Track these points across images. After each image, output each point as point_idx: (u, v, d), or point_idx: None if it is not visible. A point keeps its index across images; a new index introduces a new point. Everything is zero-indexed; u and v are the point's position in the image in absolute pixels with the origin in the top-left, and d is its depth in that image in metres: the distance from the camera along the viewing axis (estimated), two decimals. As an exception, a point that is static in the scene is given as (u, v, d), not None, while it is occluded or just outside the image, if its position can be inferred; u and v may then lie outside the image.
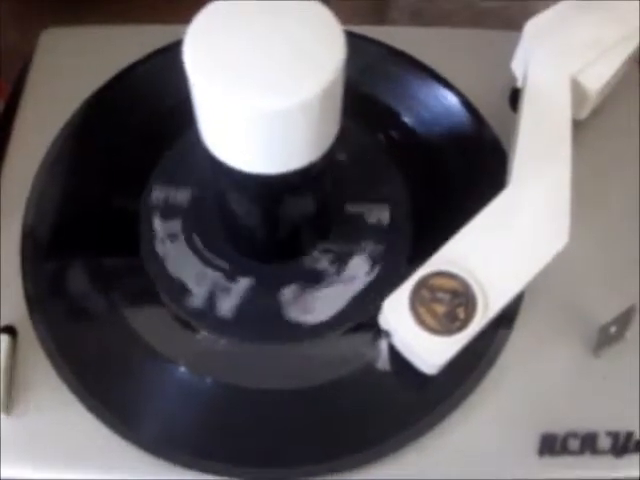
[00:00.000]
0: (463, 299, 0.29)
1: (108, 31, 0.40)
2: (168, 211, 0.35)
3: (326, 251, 0.34)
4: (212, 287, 0.33)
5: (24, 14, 0.44)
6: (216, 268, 0.34)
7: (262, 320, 0.33)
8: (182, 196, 0.35)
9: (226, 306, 0.33)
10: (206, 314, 0.32)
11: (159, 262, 0.34)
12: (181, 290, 0.33)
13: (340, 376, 0.31)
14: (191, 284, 0.33)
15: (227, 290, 0.33)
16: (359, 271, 0.33)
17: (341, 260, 0.34)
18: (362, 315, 0.32)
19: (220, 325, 0.32)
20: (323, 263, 0.34)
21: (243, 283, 0.33)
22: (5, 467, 0.29)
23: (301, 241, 0.34)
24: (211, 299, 0.33)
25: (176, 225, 0.35)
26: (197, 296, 0.33)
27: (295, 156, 0.27)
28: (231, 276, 0.33)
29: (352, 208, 0.35)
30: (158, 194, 0.35)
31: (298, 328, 0.32)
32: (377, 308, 0.30)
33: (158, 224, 0.35)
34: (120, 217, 0.35)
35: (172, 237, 0.34)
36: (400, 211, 0.35)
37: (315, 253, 0.34)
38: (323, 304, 0.33)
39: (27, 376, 0.31)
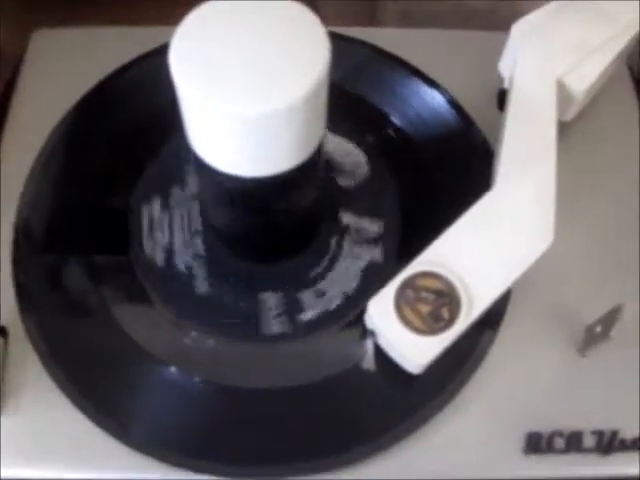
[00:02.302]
0: (447, 299, 0.29)
1: (99, 32, 0.41)
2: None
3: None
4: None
5: (15, 15, 0.44)
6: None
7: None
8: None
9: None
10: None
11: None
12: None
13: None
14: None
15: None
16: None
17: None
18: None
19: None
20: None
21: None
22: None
23: (288, 242, 0.34)
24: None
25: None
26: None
27: (281, 158, 0.27)
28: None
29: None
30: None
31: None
32: (363, 308, 0.30)
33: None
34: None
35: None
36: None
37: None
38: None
39: (18, 376, 0.31)
